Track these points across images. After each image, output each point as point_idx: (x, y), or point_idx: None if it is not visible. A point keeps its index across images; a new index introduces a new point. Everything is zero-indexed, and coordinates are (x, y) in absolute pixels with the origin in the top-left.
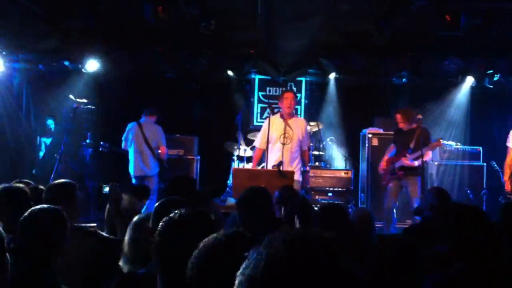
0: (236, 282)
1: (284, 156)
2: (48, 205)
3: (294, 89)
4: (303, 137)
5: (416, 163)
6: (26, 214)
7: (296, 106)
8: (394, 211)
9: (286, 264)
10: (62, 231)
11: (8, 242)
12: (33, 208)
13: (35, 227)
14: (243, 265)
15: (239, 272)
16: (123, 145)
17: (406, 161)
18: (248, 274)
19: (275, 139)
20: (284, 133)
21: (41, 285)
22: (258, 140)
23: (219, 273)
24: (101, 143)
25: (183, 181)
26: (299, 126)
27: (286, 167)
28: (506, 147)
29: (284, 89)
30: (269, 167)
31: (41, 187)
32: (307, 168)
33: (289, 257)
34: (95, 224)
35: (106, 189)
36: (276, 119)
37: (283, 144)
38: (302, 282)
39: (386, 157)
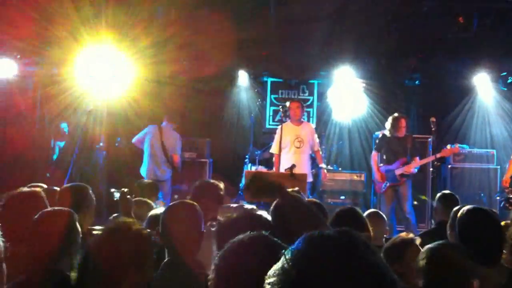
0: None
1: (300, 158)
2: (59, 208)
3: (307, 92)
4: (313, 140)
5: (415, 170)
6: (36, 216)
7: (308, 109)
8: (394, 216)
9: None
10: (72, 233)
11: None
12: (43, 210)
13: (45, 229)
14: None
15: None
16: (134, 139)
17: (409, 169)
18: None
19: (290, 144)
20: (298, 137)
21: (51, 285)
22: (274, 146)
23: (243, 275)
24: (118, 139)
25: (209, 186)
26: (309, 130)
27: (301, 169)
28: None
29: (292, 98)
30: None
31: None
32: (323, 165)
33: (319, 259)
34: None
35: (117, 195)
36: (288, 125)
37: (298, 147)
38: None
39: (376, 167)
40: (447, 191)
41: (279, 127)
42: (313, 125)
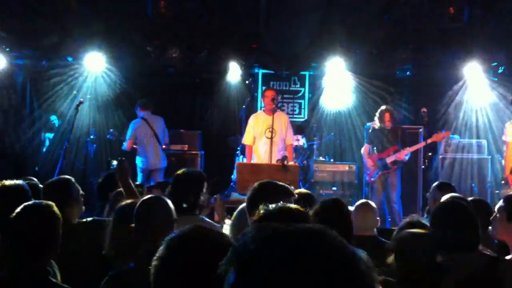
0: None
1: (271, 149)
2: (40, 201)
3: (298, 83)
4: (286, 131)
5: (407, 158)
6: (17, 210)
7: (300, 101)
8: (386, 206)
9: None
10: (53, 227)
11: None
12: (25, 204)
13: (26, 222)
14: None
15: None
16: (125, 145)
17: (401, 156)
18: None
19: (261, 134)
20: (269, 128)
21: (32, 282)
22: (245, 137)
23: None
24: (110, 130)
25: (189, 178)
26: (282, 120)
27: (274, 161)
28: (503, 142)
29: (265, 87)
30: (256, 161)
31: (41, 185)
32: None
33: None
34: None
35: (114, 163)
36: (260, 115)
37: (268, 138)
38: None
39: (367, 155)
40: (443, 181)
41: (251, 117)
42: (287, 116)
